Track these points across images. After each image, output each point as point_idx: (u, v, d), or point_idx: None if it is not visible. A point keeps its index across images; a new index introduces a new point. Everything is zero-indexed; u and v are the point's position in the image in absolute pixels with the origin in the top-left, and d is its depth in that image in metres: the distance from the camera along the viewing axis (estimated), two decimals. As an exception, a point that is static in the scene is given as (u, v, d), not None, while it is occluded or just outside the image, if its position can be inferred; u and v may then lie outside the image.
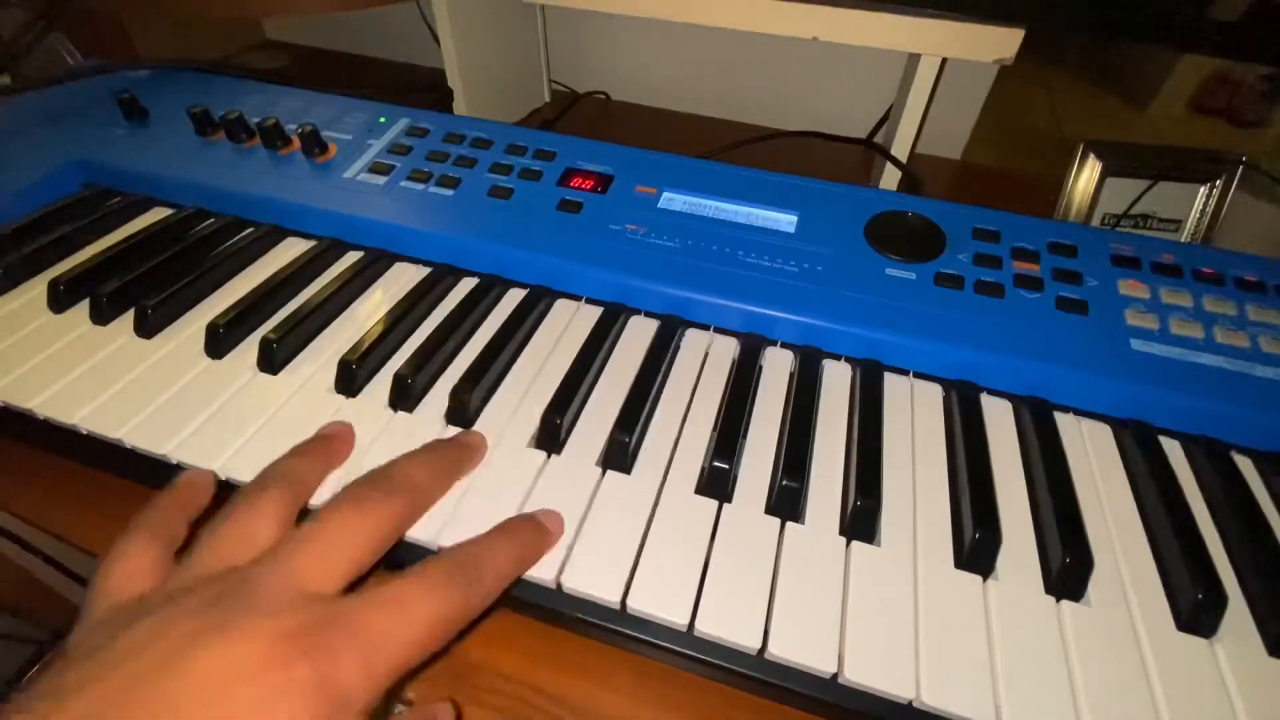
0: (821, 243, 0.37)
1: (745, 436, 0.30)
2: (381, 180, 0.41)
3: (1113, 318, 0.33)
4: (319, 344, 0.34)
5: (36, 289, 0.36)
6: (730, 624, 0.23)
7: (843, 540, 0.26)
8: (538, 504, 0.27)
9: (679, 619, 0.24)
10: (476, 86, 0.61)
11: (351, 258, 0.39)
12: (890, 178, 0.52)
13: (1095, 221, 0.48)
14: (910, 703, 0.22)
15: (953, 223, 0.37)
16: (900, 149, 0.50)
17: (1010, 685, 0.22)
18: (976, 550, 0.25)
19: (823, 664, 0.23)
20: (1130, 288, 0.34)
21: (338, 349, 0.33)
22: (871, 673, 0.22)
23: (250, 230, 0.40)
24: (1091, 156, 0.47)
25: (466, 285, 0.38)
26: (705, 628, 0.23)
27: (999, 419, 0.31)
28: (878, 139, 0.65)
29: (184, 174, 0.42)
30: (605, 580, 0.24)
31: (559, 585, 0.25)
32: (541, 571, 0.25)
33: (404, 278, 0.38)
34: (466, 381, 0.30)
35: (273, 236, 0.40)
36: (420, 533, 0.25)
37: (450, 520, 0.26)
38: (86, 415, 0.29)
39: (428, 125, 0.45)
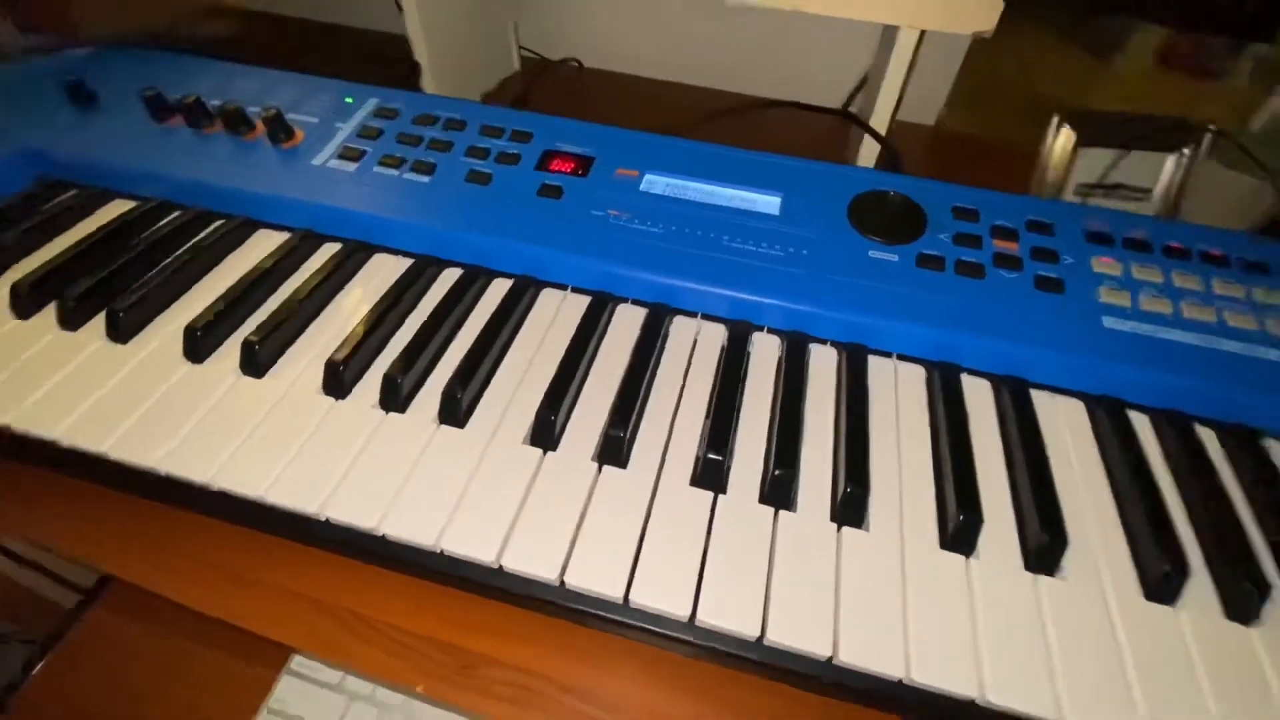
0: (805, 225, 0.37)
1: (737, 426, 0.30)
2: (353, 167, 0.39)
3: (1087, 296, 0.34)
4: (303, 343, 0.33)
5: (-3, 293, 0.35)
6: (730, 614, 0.24)
7: (834, 526, 0.27)
8: (537, 501, 0.27)
9: (680, 611, 0.25)
10: (443, 58, 0.58)
11: (329, 250, 0.38)
12: (869, 149, 0.52)
13: (1069, 193, 0.49)
14: (901, 680, 0.23)
15: (933, 201, 0.38)
16: (879, 121, 0.49)
17: (994, 660, 0.24)
18: (960, 532, 0.26)
19: (818, 648, 0.24)
20: (1103, 265, 0.35)
21: (323, 348, 0.32)
22: (865, 654, 0.24)
23: (220, 223, 0.39)
24: (1066, 128, 0.47)
25: (450, 276, 0.37)
26: (706, 618, 0.24)
27: (979, 399, 0.32)
28: (854, 106, 0.64)
29: (145, 164, 0.40)
30: (608, 576, 0.25)
31: (562, 582, 0.25)
32: (544, 570, 0.25)
33: (384, 270, 0.37)
34: (458, 379, 0.30)
35: (244, 229, 0.39)
36: (421, 537, 0.26)
37: (448, 526, 0.26)
38: (67, 429, 0.29)
39: (397, 105, 0.43)
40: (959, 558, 0.26)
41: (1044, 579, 0.26)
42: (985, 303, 0.33)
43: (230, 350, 0.32)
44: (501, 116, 0.43)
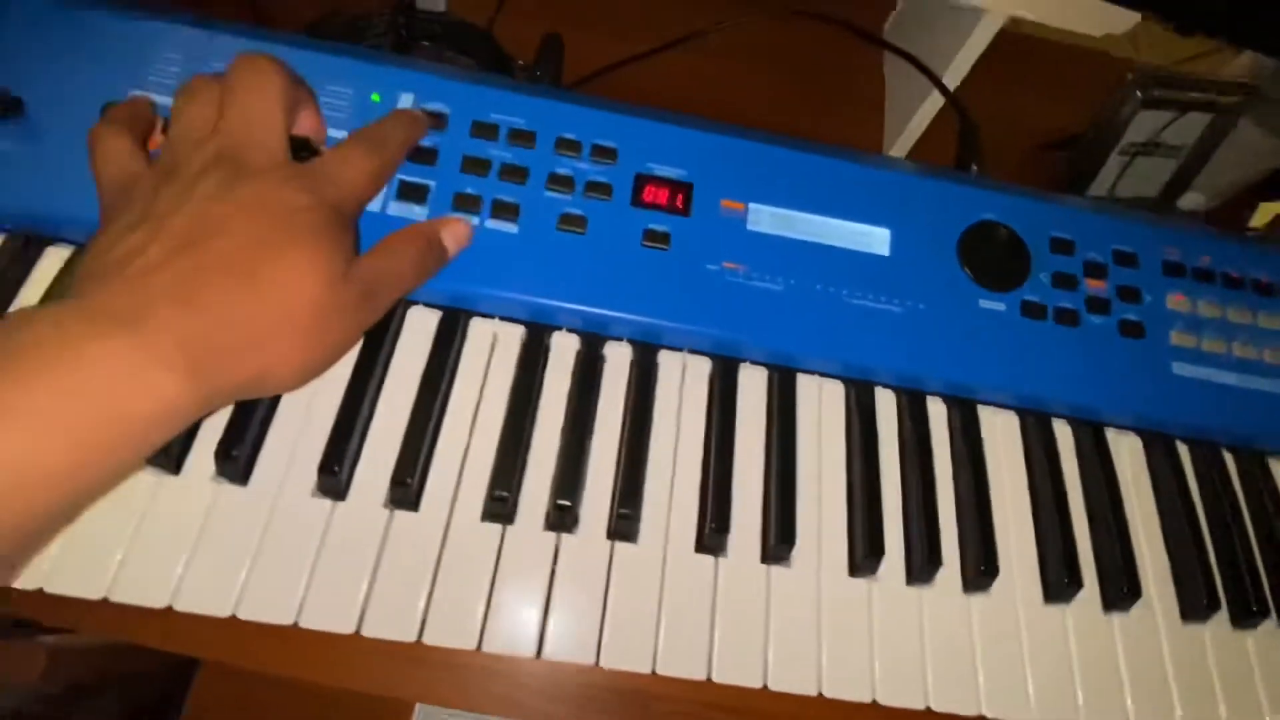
0: (918, 271, 0.36)
1: (882, 504, 0.34)
2: (422, 211, 0.34)
3: (1162, 340, 0.37)
4: (442, 454, 0.32)
5: None
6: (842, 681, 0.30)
7: (964, 598, 0.33)
8: (722, 605, 0.31)
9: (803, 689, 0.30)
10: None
11: (418, 320, 0.34)
12: (928, 98, 0.48)
13: (1118, 151, 0.50)
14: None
15: (1032, 229, 0.38)
16: (951, 78, 0.46)
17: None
18: (1061, 587, 0.33)
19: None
20: (1176, 302, 0.38)
21: (457, 455, 0.31)
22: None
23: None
24: (1137, 92, 0.46)
25: (568, 345, 0.35)
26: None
27: (1065, 445, 0.37)
28: (887, 34, 0.57)
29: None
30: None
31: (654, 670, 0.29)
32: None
33: (485, 340, 0.34)
34: (628, 498, 0.31)
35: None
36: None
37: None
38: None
39: (442, 106, 0.35)
40: (1110, 617, 0.33)
41: (1118, 615, 0.33)
42: (1079, 353, 0.36)
43: (374, 480, 0.31)
44: (573, 120, 0.36)
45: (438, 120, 0.35)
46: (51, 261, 0.33)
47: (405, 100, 0.35)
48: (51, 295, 0.31)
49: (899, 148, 0.52)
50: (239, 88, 0.28)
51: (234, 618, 0.27)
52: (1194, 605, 0.33)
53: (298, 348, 0.26)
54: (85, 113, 0.32)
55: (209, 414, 0.26)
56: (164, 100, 0.33)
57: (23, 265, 0.32)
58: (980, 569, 0.32)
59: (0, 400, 0.19)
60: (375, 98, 0.35)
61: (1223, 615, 0.34)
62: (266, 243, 0.25)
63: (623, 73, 0.52)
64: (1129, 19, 0.37)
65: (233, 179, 0.26)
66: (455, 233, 0.32)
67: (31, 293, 0.32)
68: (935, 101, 0.48)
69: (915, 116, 0.50)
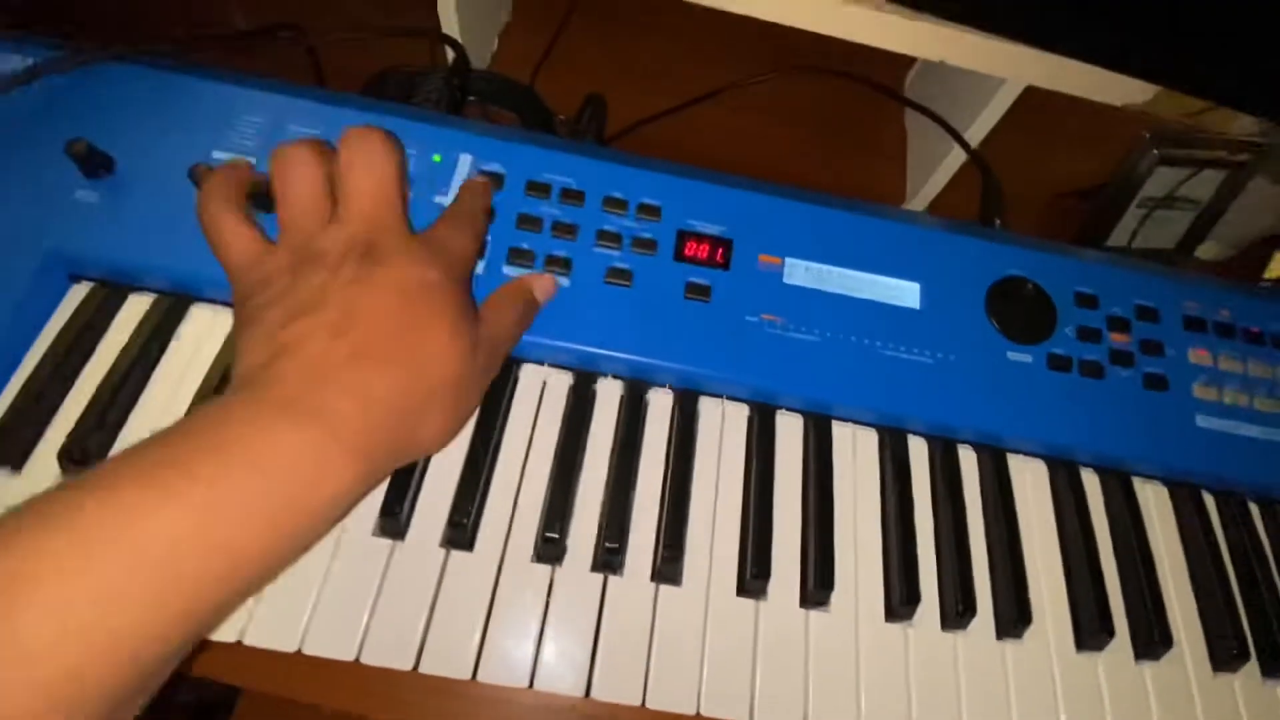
0: (947, 323, 0.38)
1: (917, 551, 0.35)
2: (480, 264, 0.36)
3: (1185, 393, 0.38)
4: (495, 497, 0.33)
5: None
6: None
7: (998, 644, 0.33)
8: (764, 656, 0.32)
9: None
10: (474, 28, 0.49)
11: (470, 367, 0.36)
12: (950, 154, 0.50)
13: (1135, 204, 0.51)
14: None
15: (1057, 285, 0.40)
16: (974, 135, 0.48)
17: None
18: (1094, 635, 0.34)
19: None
20: (1198, 356, 0.39)
21: (509, 496, 0.33)
22: None
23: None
24: (1153, 151, 0.48)
25: (613, 391, 0.37)
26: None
27: (1094, 494, 0.38)
28: (909, 91, 0.60)
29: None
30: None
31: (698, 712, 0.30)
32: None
33: (536, 388, 0.36)
34: (671, 540, 0.32)
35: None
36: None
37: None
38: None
39: (498, 167, 0.38)
40: (1142, 665, 0.34)
41: (1149, 664, 0.34)
42: (1104, 405, 0.38)
43: (430, 521, 0.32)
44: (618, 179, 0.38)
45: (496, 181, 0.37)
46: (133, 309, 0.35)
47: (464, 160, 0.38)
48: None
49: (921, 199, 0.54)
50: (357, 165, 0.29)
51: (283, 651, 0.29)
52: (1225, 655, 0.34)
53: (447, 418, 0.29)
54: (170, 171, 0.35)
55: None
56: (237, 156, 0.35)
57: (106, 313, 0.34)
58: (1014, 616, 0.33)
59: (213, 489, 0.21)
60: (437, 158, 0.38)
61: (1253, 666, 0.34)
62: (414, 326, 0.27)
63: (656, 125, 0.55)
64: (1147, 89, 0.39)
65: (370, 263, 0.27)
66: (545, 288, 0.34)
67: (116, 337, 0.34)
68: (958, 155, 0.50)
69: (938, 170, 0.52)
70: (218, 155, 0.36)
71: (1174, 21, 0.38)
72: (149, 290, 0.35)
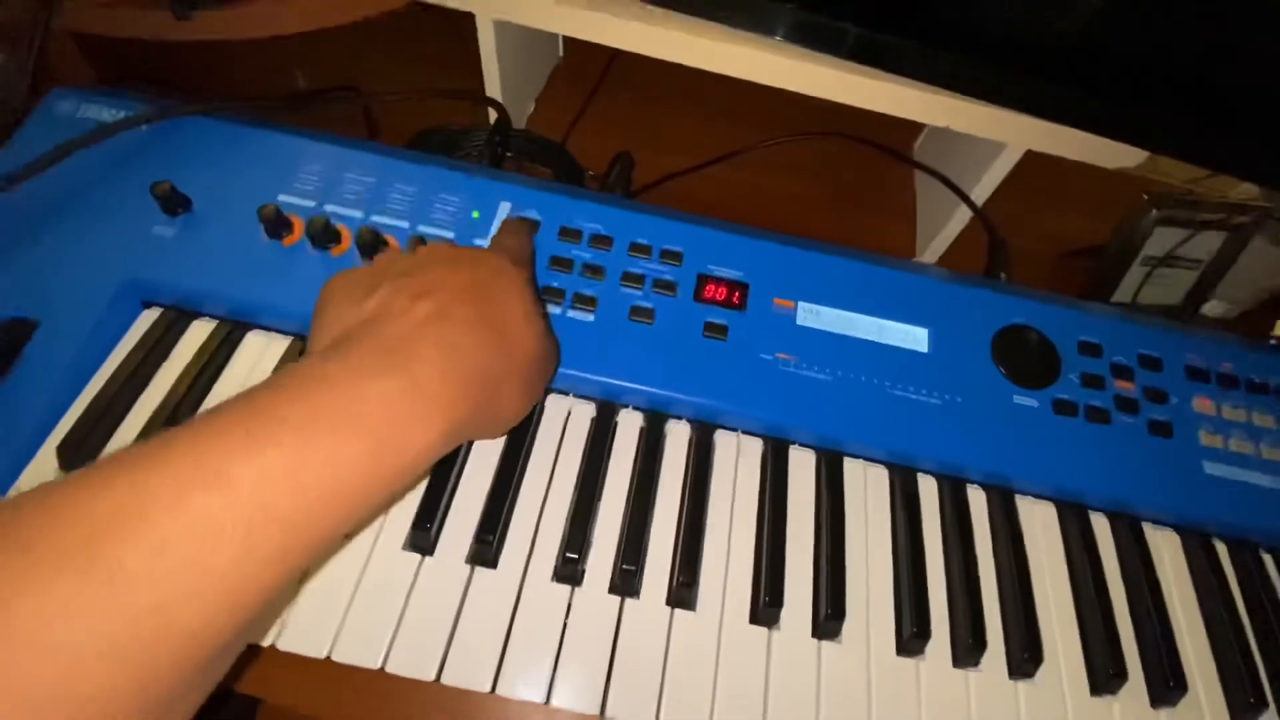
0: (955, 366, 0.40)
1: (928, 587, 0.35)
2: (511, 301, 0.38)
3: (1190, 440, 0.39)
4: (519, 518, 0.35)
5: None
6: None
7: (1011, 683, 0.34)
8: (775, 684, 0.32)
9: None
10: (514, 91, 0.54)
11: (500, 396, 0.38)
12: (956, 212, 0.53)
13: (1138, 263, 0.53)
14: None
15: (1061, 334, 0.41)
16: (979, 193, 0.51)
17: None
18: (1107, 678, 0.34)
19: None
20: (1203, 405, 0.41)
21: (532, 518, 0.34)
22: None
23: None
24: (1154, 211, 0.50)
25: (633, 422, 0.39)
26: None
27: (1102, 538, 0.39)
28: (918, 153, 0.63)
29: (280, 297, 0.37)
30: None
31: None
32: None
33: (561, 416, 0.38)
34: (686, 566, 0.34)
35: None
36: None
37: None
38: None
39: (534, 214, 0.41)
40: (1158, 712, 0.34)
41: (1165, 710, 0.34)
42: (1110, 449, 0.39)
43: (457, 539, 0.34)
44: (645, 227, 0.41)
45: (531, 227, 0.41)
46: (196, 333, 0.38)
47: (504, 208, 0.41)
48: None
49: (930, 254, 0.57)
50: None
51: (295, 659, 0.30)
52: (1241, 702, 0.34)
53: (524, 392, 0.30)
54: (240, 211, 0.38)
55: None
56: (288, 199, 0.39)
57: (171, 337, 0.37)
58: (1025, 654, 0.34)
59: (301, 432, 0.21)
60: (475, 214, 0.41)
61: (1271, 713, 0.34)
62: (495, 300, 0.29)
63: (679, 182, 0.58)
64: (1140, 154, 0.42)
65: (451, 260, 0.30)
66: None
67: (180, 358, 0.37)
68: (964, 214, 0.53)
69: (946, 226, 0.55)
70: (283, 199, 0.39)
71: (1166, 94, 0.41)
72: (211, 317, 0.38)
